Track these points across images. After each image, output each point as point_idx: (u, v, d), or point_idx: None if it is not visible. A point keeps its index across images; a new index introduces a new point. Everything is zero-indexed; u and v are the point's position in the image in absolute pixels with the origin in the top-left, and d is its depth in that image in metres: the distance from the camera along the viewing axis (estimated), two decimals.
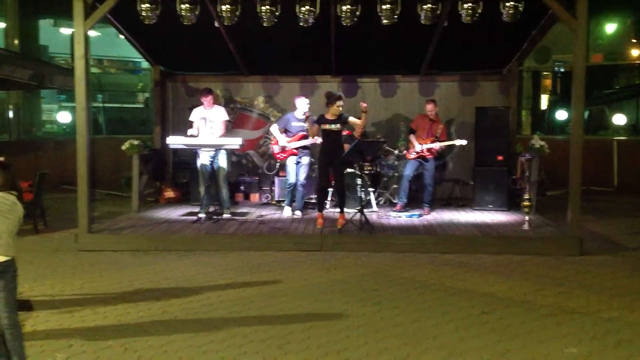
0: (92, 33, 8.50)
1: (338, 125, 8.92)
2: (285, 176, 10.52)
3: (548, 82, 22.24)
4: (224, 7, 8.37)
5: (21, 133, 16.96)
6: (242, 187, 11.74)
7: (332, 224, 9.14)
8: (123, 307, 5.95)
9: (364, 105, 8.87)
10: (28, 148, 14.66)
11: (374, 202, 10.44)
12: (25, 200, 4.49)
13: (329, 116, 8.92)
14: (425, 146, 10.10)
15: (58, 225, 9.66)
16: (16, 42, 16.74)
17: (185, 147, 9.64)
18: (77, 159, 8.45)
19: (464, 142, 10.36)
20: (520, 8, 8.12)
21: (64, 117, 17.91)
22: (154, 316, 5.71)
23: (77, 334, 5.21)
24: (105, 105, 21.13)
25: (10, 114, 17.27)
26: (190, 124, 9.64)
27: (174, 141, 9.46)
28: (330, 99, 8.93)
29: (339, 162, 9.00)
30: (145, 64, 21.26)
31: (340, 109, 8.88)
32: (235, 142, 9.39)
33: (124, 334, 5.24)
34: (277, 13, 8.38)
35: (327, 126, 8.93)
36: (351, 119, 9.00)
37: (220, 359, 4.74)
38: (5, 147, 13.82)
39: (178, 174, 11.94)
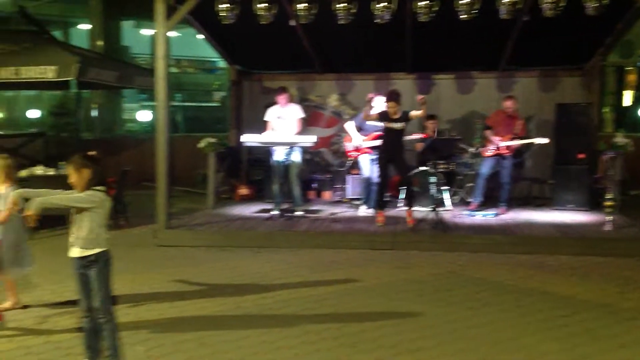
0: (171, 34, 8.72)
1: (401, 124, 8.83)
2: (357, 174, 10.53)
3: (632, 78, 21.33)
4: (300, 6, 8.43)
5: (103, 131, 17.62)
6: (314, 185, 11.79)
7: (400, 222, 9.08)
8: (199, 302, 6.08)
9: (421, 97, 8.75)
10: (110, 146, 15.15)
11: (448, 200, 10.27)
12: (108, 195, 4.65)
13: (392, 114, 8.84)
14: (503, 143, 9.84)
15: (138, 221, 9.96)
16: (100, 43, 17.40)
17: (260, 144, 9.76)
18: (156, 157, 8.68)
19: (545, 140, 10.01)
20: (605, 1, 7.80)
21: (144, 115, 18.49)
22: (229, 311, 5.81)
23: (155, 327, 5.35)
24: (183, 104, 21.71)
25: (94, 113, 17.97)
26: (265, 123, 9.76)
27: (249, 139, 9.61)
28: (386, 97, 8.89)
29: (401, 160, 8.92)
30: (221, 64, 21.69)
31: (393, 109, 8.77)
32: (308, 140, 9.45)
33: (200, 327, 5.35)
34: (352, 10, 8.36)
35: (389, 124, 8.85)
36: (412, 112, 8.85)
37: (293, 355, 4.77)
38: (89, 144, 14.35)
39: (252, 171, 12.10)
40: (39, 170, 9.57)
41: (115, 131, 18.31)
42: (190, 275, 7.06)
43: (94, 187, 4.20)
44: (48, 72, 9.08)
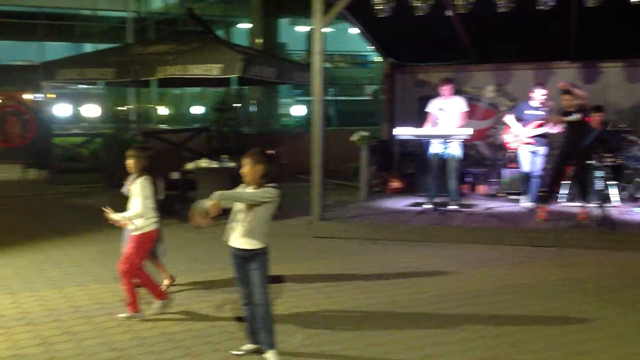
0: (325, 29, 8.85)
1: (578, 116, 8.41)
2: (514, 167, 10.15)
3: None
4: None
5: (261, 126, 18.34)
6: (469, 178, 11.51)
7: (562, 218, 8.62)
8: (354, 293, 6.14)
9: (562, 84, 8.28)
10: (266, 140, 15.73)
11: (615, 196, 9.59)
12: None
13: (568, 107, 8.47)
14: None
15: (293, 212, 10.23)
16: (259, 41, 18.12)
17: (413, 137, 9.67)
18: (311, 150, 8.86)
19: None
20: None
21: (298, 110, 19.03)
22: (383, 304, 5.81)
23: (312, 316, 5.47)
24: (335, 98, 22.10)
25: (252, 108, 18.76)
26: (427, 115, 9.65)
27: (402, 132, 9.55)
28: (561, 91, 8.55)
29: (581, 153, 8.50)
30: (373, 57, 21.83)
31: (569, 102, 8.39)
32: (464, 132, 9.23)
33: (355, 319, 5.40)
34: None
35: (567, 118, 8.48)
36: (577, 101, 8.47)
37: (450, 351, 4.68)
38: (247, 139, 15.00)
39: (404, 164, 12.04)
40: (204, 163, 10.11)
41: (271, 126, 18.97)
42: (344, 267, 7.16)
43: (267, 184, 4.36)
44: (214, 70, 9.56)
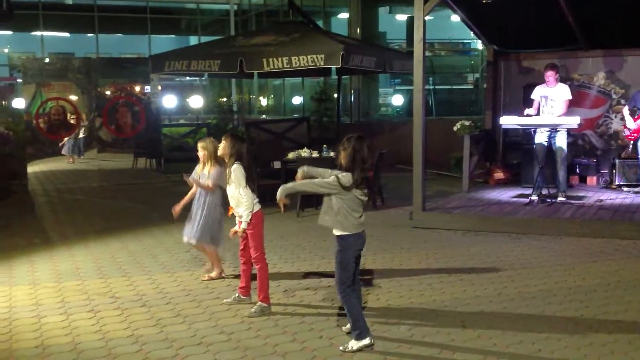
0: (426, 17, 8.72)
1: None
2: (630, 158, 9.70)
3: None
4: None
5: (360, 115, 18.34)
6: (578, 169, 11.07)
7: None
8: (459, 285, 6.05)
9: None
10: (366, 130, 15.73)
11: None
12: None
13: None
14: None
15: (394, 202, 10.20)
16: (358, 30, 18.10)
17: (519, 127, 9.39)
18: (413, 140, 8.77)
19: None
20: None
21: (397, 100, 18.87)
22: (488, 297, 5.68)
23: (416, 307, 5.44)
24: (436, 87, 21.77)
25: (352, 98, 18.79)
26: (531, 102, 9.36)
27: (508, 121, 9.30)
28: None
29: None
30: (474, 45, 21.32)
31: None
32: (572, 121, 8.87)
33: (459, 311, 5.32)
34: None
35: None
36: None
37: (564, 347, 4.51)
38: (346, 129, 15.06)
39: (508, 154, 11.72)
40: (304, 152, 10.24)
41: (371, 115, 18.92)
42: (447, 258, 7.07)
43: (350, 170, 4.37)
44: (316, 61, 9.66)
